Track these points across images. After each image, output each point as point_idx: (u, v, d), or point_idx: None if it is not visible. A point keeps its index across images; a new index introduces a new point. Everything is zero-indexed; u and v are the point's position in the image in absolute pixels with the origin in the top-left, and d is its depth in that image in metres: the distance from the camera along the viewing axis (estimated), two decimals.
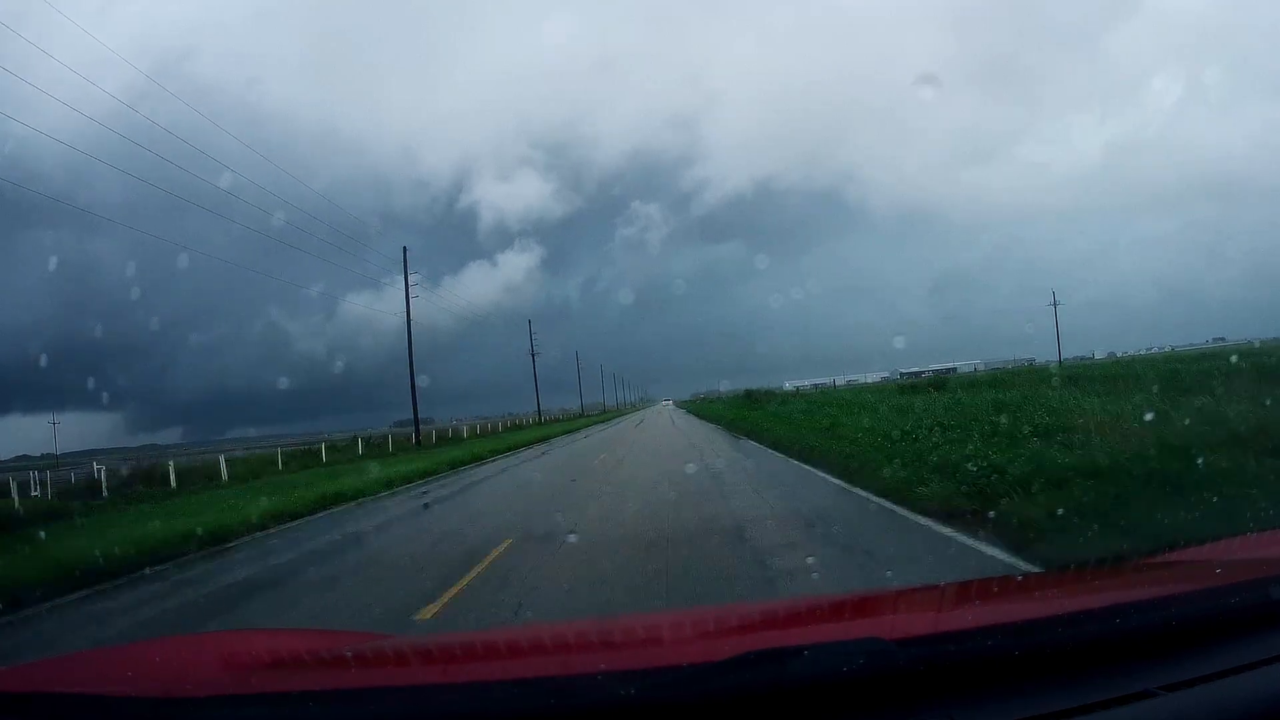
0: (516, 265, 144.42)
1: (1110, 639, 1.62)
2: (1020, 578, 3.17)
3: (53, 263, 43.06)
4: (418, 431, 41.63)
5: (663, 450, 24.41)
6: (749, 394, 56.10)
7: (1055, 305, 75.15)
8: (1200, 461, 6.98)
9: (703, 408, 71.72)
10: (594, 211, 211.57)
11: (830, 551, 7.48)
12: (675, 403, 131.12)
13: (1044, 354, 79.97)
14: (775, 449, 20.56)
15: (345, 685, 1.78)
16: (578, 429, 54.31)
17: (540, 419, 71.68)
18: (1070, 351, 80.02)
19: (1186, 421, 8.78)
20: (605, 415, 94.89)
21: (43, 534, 13.02)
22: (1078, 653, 1.58)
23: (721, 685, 1.47)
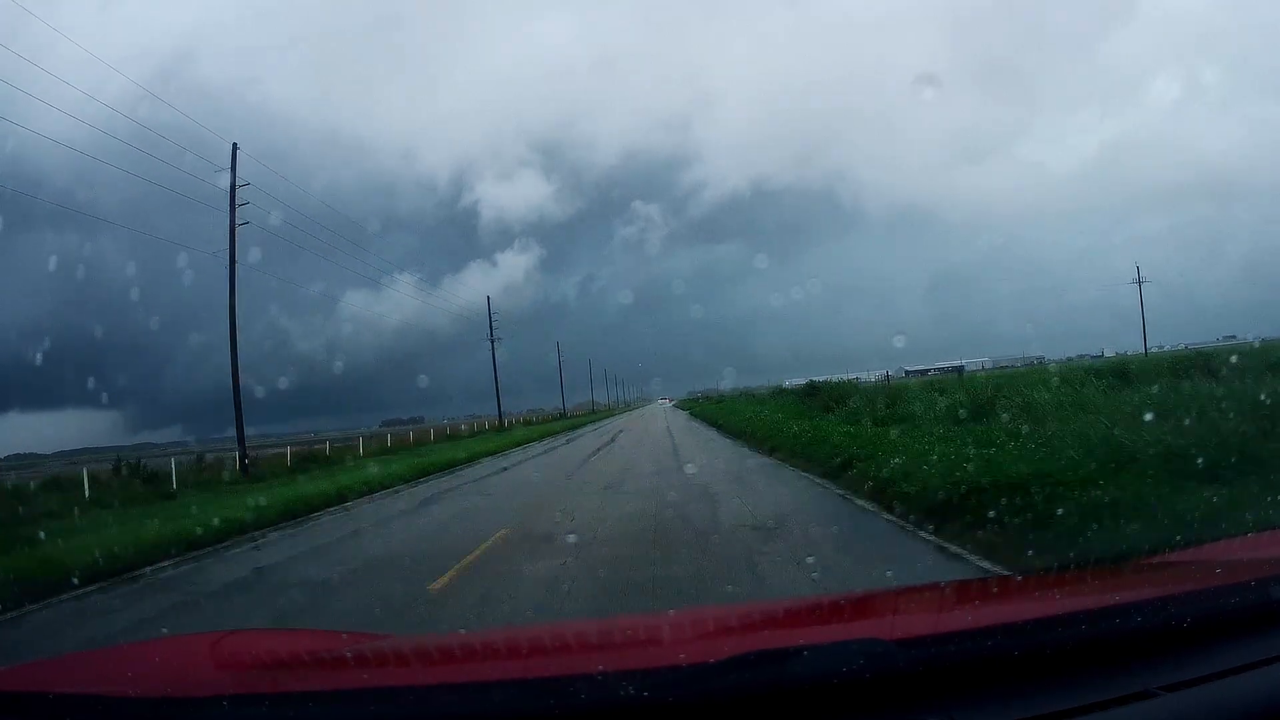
0: (516, 265, 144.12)
1: (1110, 639, 1.62)
2: (1019, 578, 3.16)
3: (52, 262, 42.76)
4: (242, 449, 25.49)
5: None
6: (811, 390, 33.36)
7: (1140, 283, 61.12)
8: None
9: (717, 413, 47.50)
10: (593, 212, 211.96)
11: None
12: (674, 402, 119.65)
13: (1050, 351, 79.45)
14: None
15: (345, 685, 1.78)
16: (514, 446, 36.72)
17: (502, 423, 58.15)
18: (1073, 350, 79.49)
19: None
20: (592, 417, 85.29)
21: None
22: (1078, 653, 1.58)
23: (721, 685, 1.47)
